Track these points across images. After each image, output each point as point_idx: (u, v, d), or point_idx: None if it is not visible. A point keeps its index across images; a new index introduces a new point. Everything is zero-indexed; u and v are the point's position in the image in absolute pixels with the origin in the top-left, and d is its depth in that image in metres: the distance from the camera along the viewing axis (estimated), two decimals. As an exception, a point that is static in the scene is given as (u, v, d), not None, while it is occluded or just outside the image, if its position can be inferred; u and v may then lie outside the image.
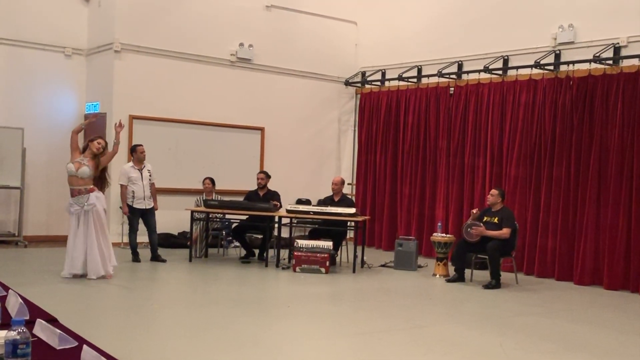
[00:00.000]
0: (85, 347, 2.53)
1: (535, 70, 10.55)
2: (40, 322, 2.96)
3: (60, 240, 11.67)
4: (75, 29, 12.16)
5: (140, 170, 9.88)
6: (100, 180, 8.36)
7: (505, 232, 9.10)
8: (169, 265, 9.73)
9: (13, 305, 3.27)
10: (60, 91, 12.10)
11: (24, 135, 11.22)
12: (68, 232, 8.31)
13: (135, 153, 9.99)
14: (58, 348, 2.73)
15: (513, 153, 10.79)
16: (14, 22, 11.54)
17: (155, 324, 6.27)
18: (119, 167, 10.26)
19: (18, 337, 2.16)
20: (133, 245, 9.90)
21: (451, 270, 9.71)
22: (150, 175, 9.95)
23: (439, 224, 10.51)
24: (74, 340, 2.80)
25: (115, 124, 8.83)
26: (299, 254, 9.63)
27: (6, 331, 2.22)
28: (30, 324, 2.99)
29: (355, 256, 10.04)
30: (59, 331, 2.80)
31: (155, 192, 10.11)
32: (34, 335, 2.87)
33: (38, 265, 9.26)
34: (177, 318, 6.64)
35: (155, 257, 9.95)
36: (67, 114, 12.14)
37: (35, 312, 3.38)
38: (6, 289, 3.72)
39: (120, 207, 10.13)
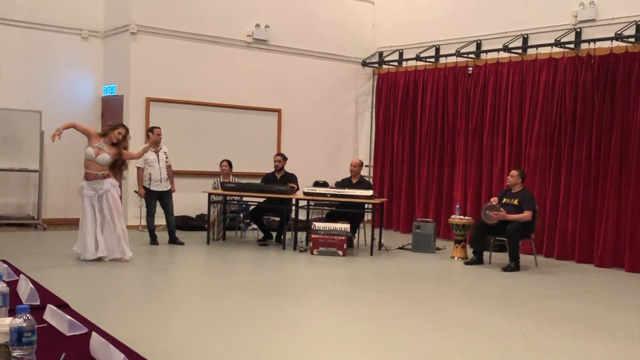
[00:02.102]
0: (94, 334, 2.49)
1: (555, 49, 10.38)
2: (50, 308, 2.93)
3: (78, 223, 11.75)
4: (92, 10, 12.13)
5: (157, 152, 9.87)
6: (118, 166, 8.35)
7: (527, 215, 8.98)
8: (187, 248, 9.74)
9: (24, 290, 3.25)
10: (77, 74, 12.11)
11: (42, 118, 11.24)
12: (80, 214, 8.33)
13: (152, 135, 9.98)
14: (68, 334, 2.70)
15: (532, 133, 10.64)
16: (30, 4, 11.52)
17: (171, 307, 6.26)
18: (136, 150, 10.26)
19: (24, 324, 2.12)
20: (151, 228, 9.91)
21: (469, 252, 9.62)
22: (166, 158, 9.93)
23: (457, 206, 10.41)
24: (84, 326, 2.77)
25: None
26: (317, 236, 9.59)
27: (11, 318, 2.18)
28: (41, 310, 2.97)
29: (372, 239, 9.99)
30: (69, 317, 2.77)
31: (172, 174, 10.11)
32: (44, 321, 2.84)
33: (56, 248, 9.29)
34: (193, 302, 6.63)
35: (173, 240, 9.96)
36: (85, 97, 12.16)
37: (47, 297, 3.36)
38: (18, 273, 3.70)
39: (136, 191, 10.13)
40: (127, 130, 8.40)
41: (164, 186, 9.89)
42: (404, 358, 4.87)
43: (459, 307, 6.80)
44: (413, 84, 12.88)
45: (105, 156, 8.13)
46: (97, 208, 8.13)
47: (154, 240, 9.86)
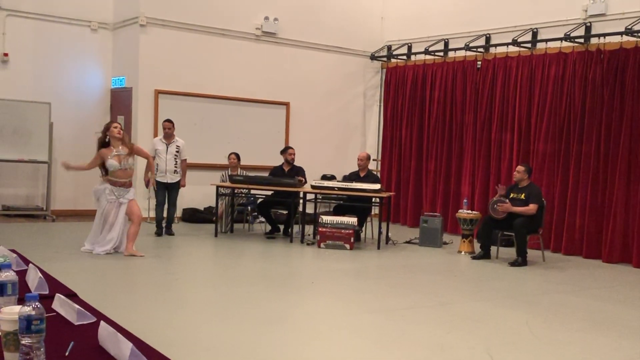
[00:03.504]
0: (102, 323, 2.50)
1: (565, 43, 10.33)
2: (59, 297, 2.94)
3: (87, 215, 11.77)
4: (101, 2, 12.16)
5: (168, 144, 9.91)
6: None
7: (531, 207, 8.96)
8: (194, 240, 9.77)
9: (33, 279, 3.26)
10: (86, 66, 12.14)
11: (51, 110, 11.28)
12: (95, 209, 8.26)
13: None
14: (76, 323, 2.71)
15: (541, 128, 10.61)
16: (40, -4, 11.57)
17: (178, 299, 6.29)
18: (149, 140, 10.37)
19: (33, 312, 2.13)
20: (158, 219, 9.95)
21: (477, 247, 9.61)
22: (178, 151, 9.96)
23: (465, 200, 10.39)
24: (93, 316, 2.78)
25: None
26: (324, 229, 9.60)
27: (20, 306, 2.19)
28: (49, 299, 2.98)
29: (380, 232, 9.99)
30: (77, 306, 2.78)
31: (185, 168, 10.14)
32: (52, 310, 2.86)
33: (64, 239, 9.33)
34: (201, 293, 6.66)
35: (167, 230, 10.00)
36: (94, 89, 12.19)
37: (55, 286, 3.37)
38: (27, 262, 3.72)
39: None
40: (119, 124, 8.30)
41: (170, 178, 9.93)
42: (411, 351, 4.88)
43: (466, 301, 6.79)
44: (421, 77, 12.85)
45: (130, 160, 8.10)
46: (112, 212, 8.11)
47: (160, 231, 9.90)
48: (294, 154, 10.76)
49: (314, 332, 5.31)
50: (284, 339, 5.04)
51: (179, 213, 11.61)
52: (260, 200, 10.79)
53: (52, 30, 11.69)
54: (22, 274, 3.38)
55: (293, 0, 12.89)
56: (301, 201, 10.32)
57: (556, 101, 10.44)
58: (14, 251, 4.00)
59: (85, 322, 2.73)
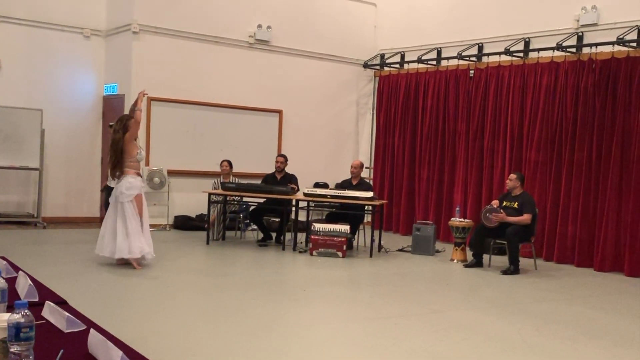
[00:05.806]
0: (92, 330, 2.49)
1: (557, 53, 10.38)
2: (49, 305, 2.93)
3: (78, 222, 11.77)
4: (94, 9, 12.12)
5: None
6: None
7: (526, 217, 8.98)
8: (186, 248, 9.73)
9: (22, 286, 3.25)
10: (79, 72, 12.10)
11: (42, 117, 11.24)
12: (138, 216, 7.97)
13: None
14: (66, 331, 2.70)
15: (533, 137, 10.64)
16: (33, 2, 11.52)
17: (169, 307, 6.26)
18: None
19: (22, 320, 2.12)
20: None
21: (469, 255, 9.62)
22: None
23: (457, 208, 10.40)
24: (82, 323, 2.77)
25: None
26: (316, 237, 9.59)
27: (9, 314, 2.18)
28: (39, 306, 2.97)
29: (372, 240, 9.98)
30: (67, 314, 2.76)
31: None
32: (42, 318, 2.84)
33: (55, 246, 9.29)
34: (193, 301, 6.63)
35: None
36: (86, 96, 12.15)
37: (45, 294, 3.35)
38: (17, 269, 3.70)
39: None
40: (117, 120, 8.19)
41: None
42: (402, 359, 4.87)
43: (458, 309, 6.79)
44: (414, 86, 12.88)
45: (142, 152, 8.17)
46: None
47: None
48: (281, 162, 10.71)
49: (305, 340, 5.30)
50: (275, 346, 5.02)
51: (170, 220, 11.58)
52: (252, 207, 10.77)
53: (44, 36, 11.65)
54: (11, 281, 3.36)
55: (286, 8, 12.90)
56: (293, 209, 10.31)
57: (548, 110, 10.48)
58: (4, 258, 3.99)
59: (75, 330, 2.72)
